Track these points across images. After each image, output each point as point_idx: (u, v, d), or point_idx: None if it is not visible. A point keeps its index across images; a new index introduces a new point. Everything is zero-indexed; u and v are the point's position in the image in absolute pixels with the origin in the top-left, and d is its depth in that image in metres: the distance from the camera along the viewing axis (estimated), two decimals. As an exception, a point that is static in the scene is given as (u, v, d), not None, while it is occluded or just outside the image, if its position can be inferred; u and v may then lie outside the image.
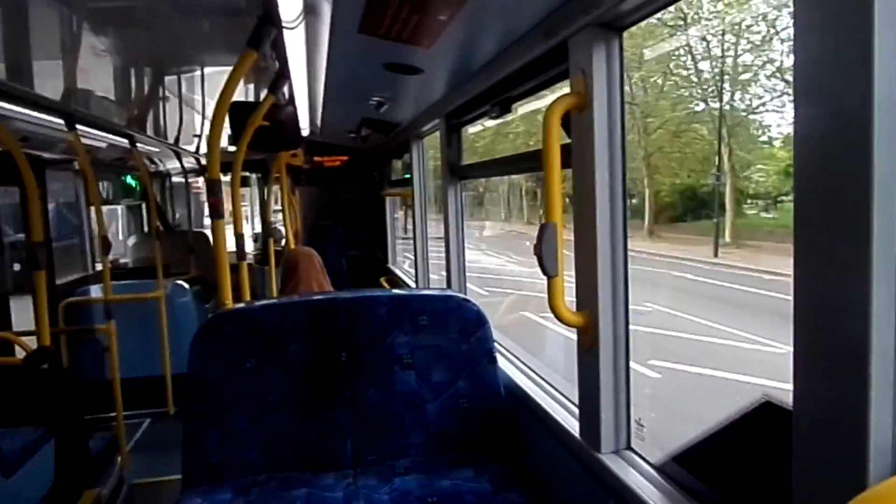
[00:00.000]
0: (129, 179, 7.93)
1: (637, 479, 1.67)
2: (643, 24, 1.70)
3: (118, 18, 2.54)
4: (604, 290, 1.76)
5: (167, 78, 3.80)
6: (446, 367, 2.38)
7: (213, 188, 2.41)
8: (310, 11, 2.20)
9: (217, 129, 2.40)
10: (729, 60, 8.73)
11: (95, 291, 5.29)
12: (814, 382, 1.03)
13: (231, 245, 3.31)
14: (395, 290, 2.52)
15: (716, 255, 8.16)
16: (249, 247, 9.07)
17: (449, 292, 2.51)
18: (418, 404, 2.35)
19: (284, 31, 2.31)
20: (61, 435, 3.11)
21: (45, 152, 4.50)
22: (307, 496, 2.08)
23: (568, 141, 1.84)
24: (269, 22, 2.20)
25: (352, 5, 2.03)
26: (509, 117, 2.74)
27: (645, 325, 7.00)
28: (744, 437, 1.45)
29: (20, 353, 3.58)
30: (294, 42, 2.53)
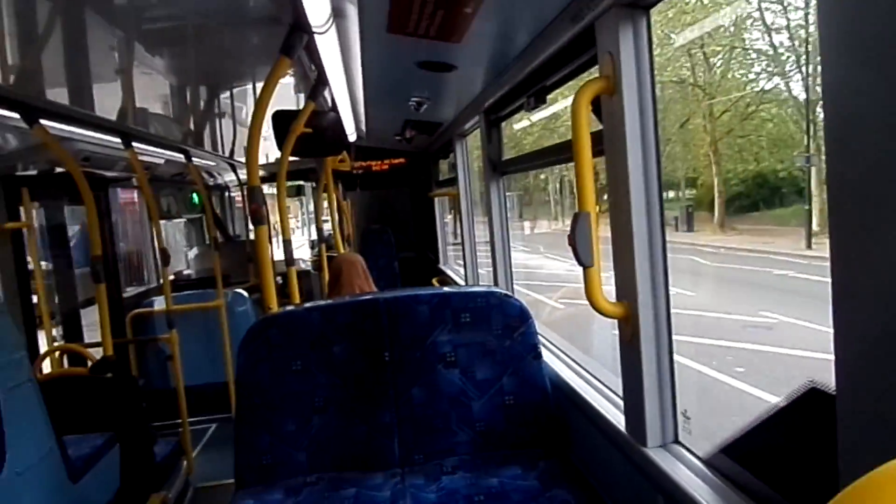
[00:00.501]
0: (190, 194, 8.21)
1: (685, 473, 1.60)
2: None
3: (168, 39, 2.63)
4: (642, 279, 1.70)
5: (219, 93, 3.92)
6: (490, 365, 2.35)
7: (254, 195, 2.46)
8: (338, 14, 2.22)
9: (255, 137, 2.45)
10: (813, 29, 8.02)
11: (160, 302, 5.50)
12: (855, 367, 0.96)
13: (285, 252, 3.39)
14: (437, 289, 2.51)
15: (809, 246, 7.36)
16: (307, 253, 9.28)
17: (491, 288, 2.48)
18: (463, 402, 2.33)
19: (316, 36, 2.34)
20: (126, 440, 3.24)
21: (108, 171, 4.70)
22: (356, 496, 2.09)
23: (601, 128, 1.79)
24: (300, 28, 2.23)
25: (377, 5, 2.04)
26: (554, 109, 2.70)
27: (775, 343, 5.88)
28: (790, 425, 1.38)
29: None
30: (328, 47, 2.56)
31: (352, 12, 2.18)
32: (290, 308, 2.44)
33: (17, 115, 2.90)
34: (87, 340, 4.86)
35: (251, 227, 8.50)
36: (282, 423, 2.28)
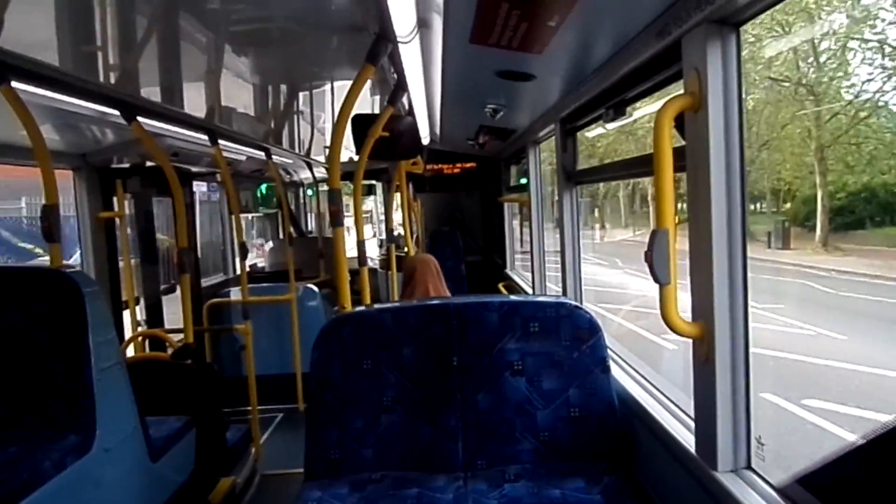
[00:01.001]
0: (263, 190, 8.49)
1: (757, 501, 1.57)
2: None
3: (255, 41, 2.76)
4: (720, 300, 1.67)
5: (299, 94, 4.06)
6: (557, 375, 2.35)
7: (334, 197, 2.54)
8: (423, 25, 2.28)
9: (338, 141, 2.53)
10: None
11: (235, 294, 5.72)
12: None
13: (354, 251, 3.49)
14: (506, 297, 2.53)
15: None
16: (375, 252, 9.46)
17: (561, 299, 2.48)
18: (529, 411, 2.34)
19: (400, 45, 2.40)
20: (202, 425, 3.40)
21: (193, 166, 4.94)
22: (418, 496, 2.13)
23: (682, 144, 1.77)
24: (385, 37, 2.30)
25: (463, 17, 2.08)
26: (629, 119, 2.68)
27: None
28: (879, 460, 1.32)
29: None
30: (410, 55, 2.63)
31: (437, 23, 2.23)
32: (362, 308, 2.51)
33: (116, 112, 3.09)
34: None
35: (322, 224, 8.77)
36: (351, 419, 2.35)
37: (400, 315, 2.42)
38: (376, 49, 2.33)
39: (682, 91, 1.72)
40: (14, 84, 2.34)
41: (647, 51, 1.96)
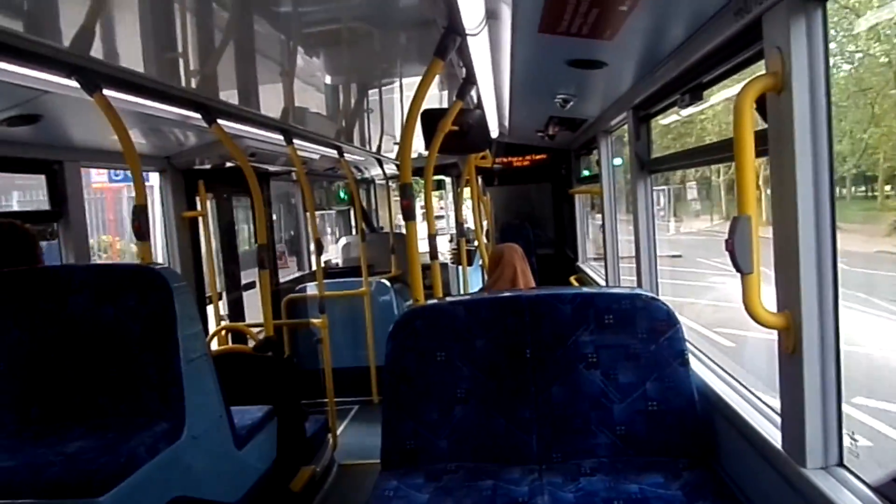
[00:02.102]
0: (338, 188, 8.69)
1: (851, 501, 1.49)
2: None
3: (325, 41, 2.82)
4: (807, 288, 1.60)
5: (369, 91, 4.13)
6: (634, 368, 2.30)
7: (406, 191, 2.58)
8: (491, 17, 2.27)
9: (409, 136, 2.56)
10: None
11: (312, 289, 5.89)
12: None
13: (425, 246, 3.53)
14: (579, 289, 2.49)
15: None
16: (445, 248, 9.52)
17: (637, 290, 2.43)
18: (604, 405, 2.31)
19: (468, 37, 2.41)
20: (283, 415, 3.51)
21: (269, 165, 5.11)
22: (494, 487, 2.14)
23: (764, 126, 1.70)
24: (454, 31, 2.31)
25: (531, 6, 2.06)
26: (706, 105, 2.59)
27: None
28: None
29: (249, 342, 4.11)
30: (478, 48, 2.62)
31: (505, 14, 2.22)
32: (435, 301, 2.53)
33: (197, 115, 3.24)
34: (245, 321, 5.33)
35: (392, 219, 8.90)
36: (425, 410, 2.38)
37: (472, 307, 2.42)
38: (445, 43, 2.34)
39: (763, 72, 1.65)
40: (105, 91, 2.48)
41: (724, 31, 1.88)
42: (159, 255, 4.46)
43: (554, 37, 2.33)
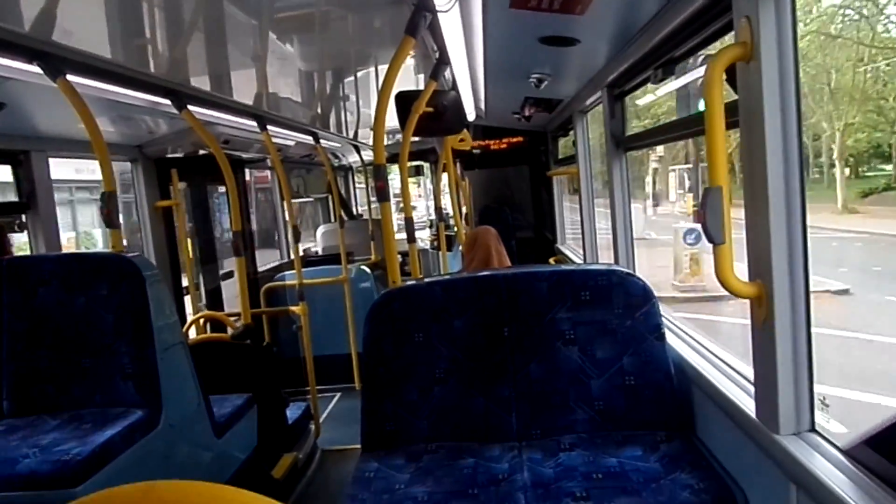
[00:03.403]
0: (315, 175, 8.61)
1: (823, 464, 1.51)
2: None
3: (298, 26, 2.78)
4: (778, 258, 1.61)
5: (344, 76, 4.09)
6: (611, 344, 2.32)
7: (379, 173, 2.56)
8: None
9: (381, 117, 2.53)
10: None
11: (291, 278, 5.85)
12: None
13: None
14: (556, 266, 2.50)
15: None
16: (425, 233, 9.49)
17: (612, 266, 2.44)
18: (582, 381, 2.32)
19: (440, 15, 2.38)
20: (263, 402, 3.50)
21: (244, 153, 5.05)
22: (474, 465, 2.15)
23: (735, 98, 1.70)
24: (424, 7, 2.28)
25: None
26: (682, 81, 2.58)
27: None
28: None
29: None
30: (450, 25, 2.60)
31: None
32: (412, 282, 2.52)
33: (167, 102, 3.18)
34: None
35: (372, 206, 8.85)
36: (405, 392, 2.37)
37: (449, 287, 2.42)
38: (415, 20, 2.31)
39: (732, 42, 1.65)
40: (70, 77, 2.42)
41: (694, 2, 1.88)
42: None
43: (525, 12, 2.31)
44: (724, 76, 1.65)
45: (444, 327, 2.39)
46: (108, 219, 2.65)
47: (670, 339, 2.44)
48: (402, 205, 3.91)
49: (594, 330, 2.33)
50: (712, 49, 2.16)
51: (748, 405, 1.83)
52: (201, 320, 4.45)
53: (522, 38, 2.77)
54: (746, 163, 1.67)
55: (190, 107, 3.26)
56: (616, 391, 2.30)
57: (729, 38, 1.83)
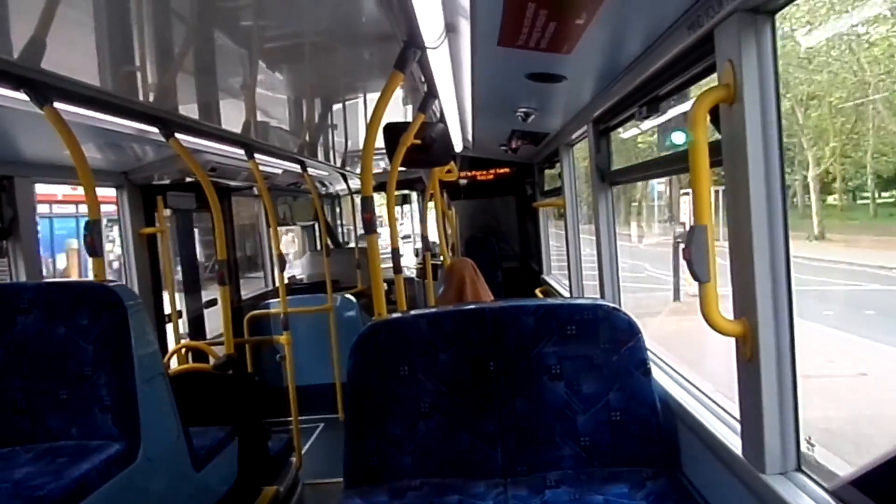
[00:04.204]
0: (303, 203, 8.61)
1: None
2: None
3: (288, 56, 2.80)
4: (763, 296, 1.62)
5: (333, 106, 4.11)
6: (597, 379, 2.31)
7: (367, 205, 2.55)
8: (451, 30, 2.28)
9: (369, 149, 2.54)
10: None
11: (276, 306, 5.80)
12: None
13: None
14: (542, 300, 2.50)
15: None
16: (412, 261, 9.48)
17: (598, 301, 2.44)
18: (568, 416, 2.31)
19: (428, 51, 2.41)
20: (244, 434, 3.44)
21: (231, 180, 5.04)
22: (458, 503, 2.12)
23: (718, 137, 1.73)
24: (414, 44, 2.31)
25: (490, 19, 2.07)
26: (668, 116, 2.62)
27: None
28: None
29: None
30: (439, 61, 2.63)
31: (464, 27, 2.23)
32: (398, 315, 2.51)
33: (155, 130, 3.17)
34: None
35: (359, 234, 8.84)
36: (389, 426, 2.34)
37: (435, 320, 2.41)
38: (405, 56, 2.34)
39: (716, 84, 1.69)
40: (57, 105, 2.41)
41: (678, 44, 1.92)
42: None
43: (513, 50, 2.35)
44: (708, 116, 1.69)
45: (429, 361, 2.37)
46: (92, 248, 2.62)
47: (656, 374, 2.44)
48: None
49: (580, 365, 2.32)
50: (697, 87, 2.20)
51: (734, 443, 1.83)
52: (183, 350, 4.39)
53: (510, 74, 2.81)
54: (731, 202, 1.70)
55: (177, 135, 3.25)
56: (602, 426, 2.29)
57: (711, 79, 1.87)
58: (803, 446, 1.65)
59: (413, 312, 2.52)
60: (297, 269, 8.55)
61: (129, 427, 2.47)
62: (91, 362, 2.47)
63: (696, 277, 1.62)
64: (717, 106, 1.67)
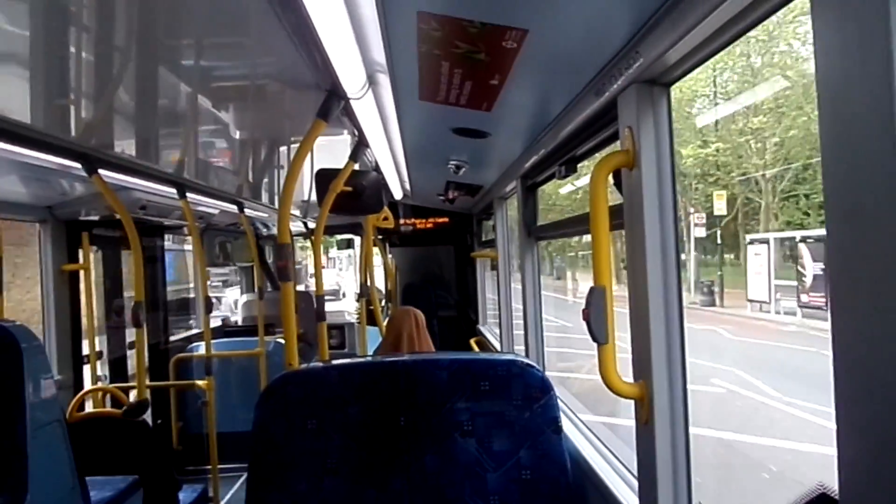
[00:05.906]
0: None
1: None
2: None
3: (221, 98, 2.78)
4: (658, 358, 1.64)
5: (274, 148, 4.08)
6: (508, 436, 2.28)
7: (282, 252, 2.51)
8: (372, 82, 2.30)
9: (288, 195, 2.52)
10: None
11: (204, 348, 5.61)
12: (860, 465, 0.89)
13: (339, 305, 3.43)
14: (457, 354, 2.48)
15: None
16: (353, 306, 9.36)
17: (512, 356, 2.44)
18: (479, 474, 2.26)
19: (352, 101, 2.42)
20: (150, 485, 3.26)
21: (164, 218, 4.91)
22: None
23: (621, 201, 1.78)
24: (336, 94, 2.32)
25: (407, 74, 2.10)
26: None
27: None
28: None
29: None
30: (365, 111, 2.65)
31: (384, 81, 2.25)
32: (309, 365, 2.45)
33: (78, 165, 3.07)
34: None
35: (296, 278, 8.69)
36: (293, 482, 2.26)
37: (346, 372, 2.36)
38: (328, 105, 2.35)
39: (618, 149, 1.74)
40: None
41: (588, 109, 1.98)
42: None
43: (435, 105, 2.39)
44: (612, 180, 1.73)
45: (338, 414, 2.31)
46: None
47: (569, 431, 2.43)
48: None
49: (492, 421, 2.29)
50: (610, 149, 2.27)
51: (634, 502, 1.82)
52: (99, 394, 4.18)
53: (436, 127, 2.85)
54: (630, 264, 1.73)
55: (105, 171, 3.15)
56: (512, 485, 2.25)
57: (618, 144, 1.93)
58: (694, 509, 1.66)
59: (322, 364, 2.47)
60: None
61: (15, 477, 2.31)
62: None
63: (595, 339, 1.63)
64: (620, 170, 1.72)
